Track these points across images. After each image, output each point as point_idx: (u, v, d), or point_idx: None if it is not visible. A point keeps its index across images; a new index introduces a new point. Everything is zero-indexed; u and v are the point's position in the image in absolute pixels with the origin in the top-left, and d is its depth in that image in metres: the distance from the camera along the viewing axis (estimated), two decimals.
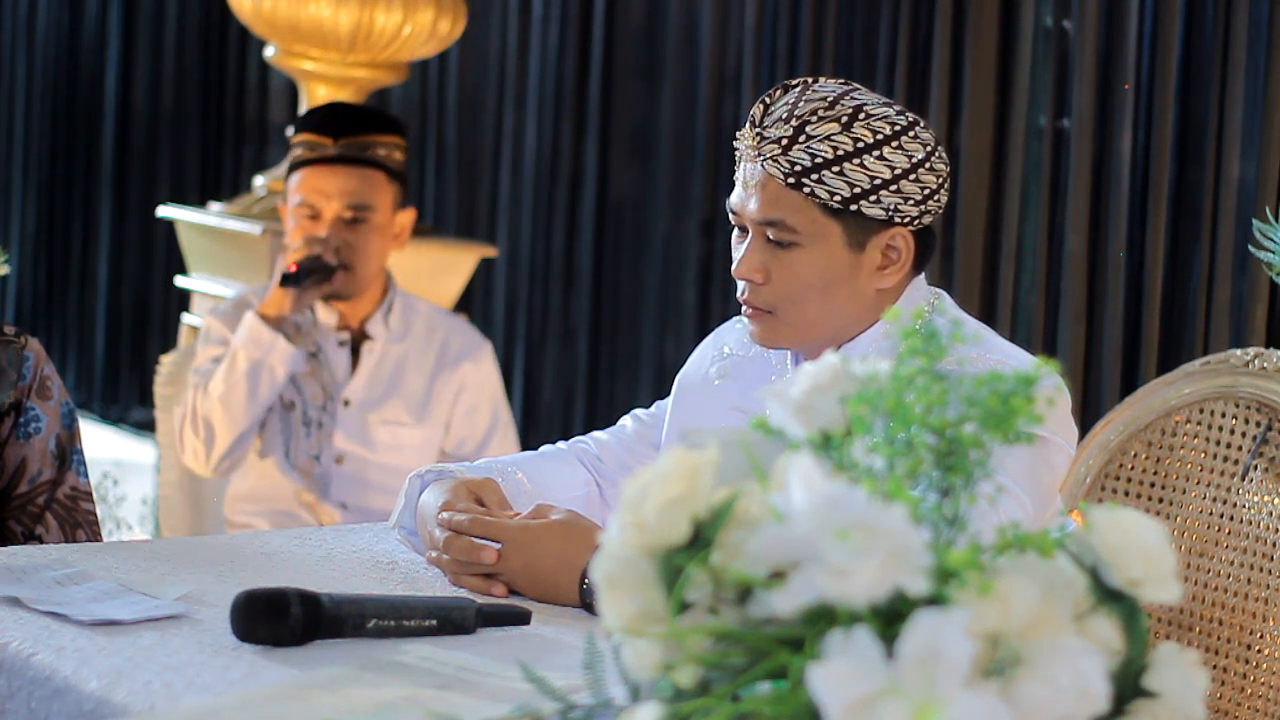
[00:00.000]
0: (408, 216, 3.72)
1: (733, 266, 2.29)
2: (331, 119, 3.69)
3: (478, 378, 3.79)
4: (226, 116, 7.19)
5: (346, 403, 3.70)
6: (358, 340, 3.73)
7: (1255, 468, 2.53)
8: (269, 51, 4.58)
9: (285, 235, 3.69)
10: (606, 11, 5.67)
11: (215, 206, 4.61)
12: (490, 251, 4.89)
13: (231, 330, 3.67)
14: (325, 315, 3.69)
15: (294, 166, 3.67)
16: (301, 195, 3.63)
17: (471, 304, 5.76)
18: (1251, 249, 2.58)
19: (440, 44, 4.53)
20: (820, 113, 2.22)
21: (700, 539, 1.25)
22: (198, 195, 6.74)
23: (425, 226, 4.71)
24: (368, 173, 3.63)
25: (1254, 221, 2.58)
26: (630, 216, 5.68)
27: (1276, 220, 2.51)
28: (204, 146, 7.29)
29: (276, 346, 3.57)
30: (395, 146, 3.68)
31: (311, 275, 3.57)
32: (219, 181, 7.09)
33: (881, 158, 2.22)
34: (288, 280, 3.56)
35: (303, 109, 4.54)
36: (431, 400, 3.74)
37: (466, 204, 6.12)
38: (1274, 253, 2.50)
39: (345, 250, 3.61)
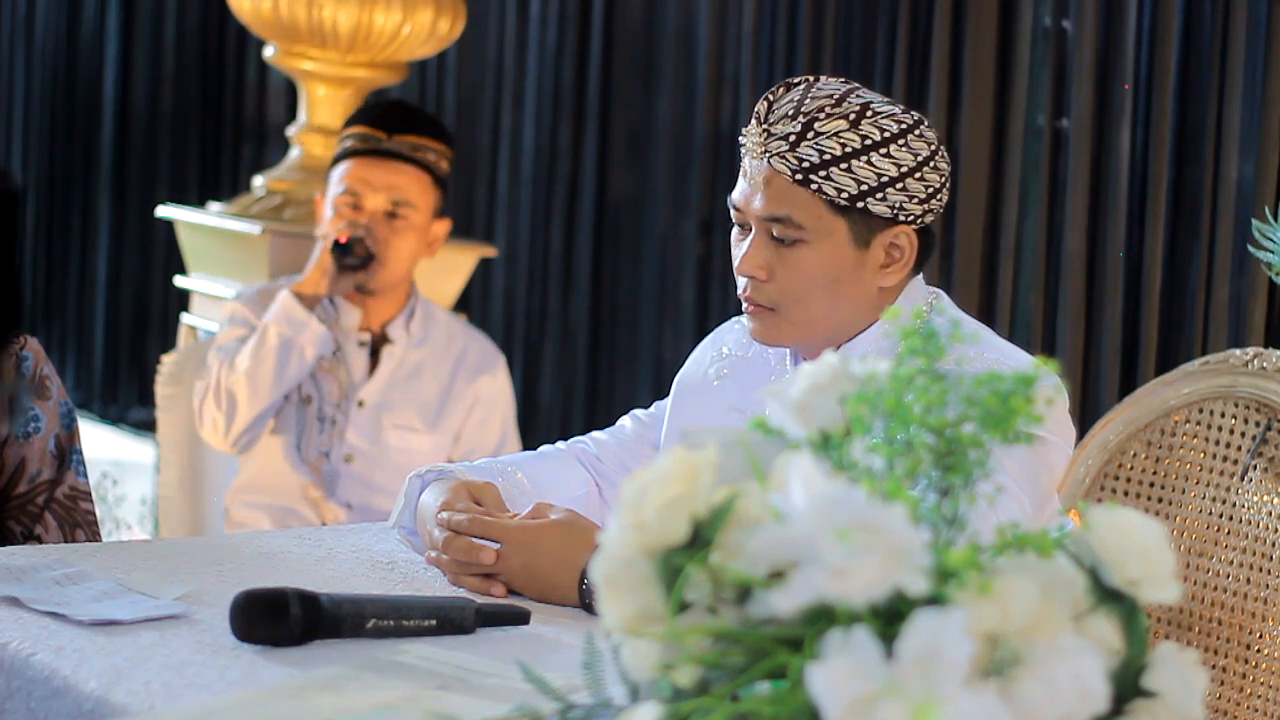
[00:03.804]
0: (443, 227, 3.75)
1: (735, 263, 2.29)
2: (388, 114, 3.72)
3: (492, 391, 3.81)
4: (226, 116, 7.19)
5: (361, 403, 3.71)
6: (378, 343, 3.75)
7: (1254, 467, 2.53)
8: (268, 51, 4.57)
9: (320, 227, 3.71)
10: (605, 11, 5.67)
11: (215, 206, 4.61)
12: (489, 251, 4.89)
13: (256, 315, 3.70)
14: (348, 315, 3.71)
15: (343, 156, 3.69)
16: (347, 184, 3.66)
17: (470, 304, 5.76)
18: (1250, 249, 2.58)
19: (439, 44, 4.53)
20: (828, 110, 2.22)
21: (700, 539, 1.25)
22: (197, 195, 6.74)
23: None
24: (415, 172, 3.67)
25: (1253, 221, 2.58)
26: (629, 216, 5.68)
27: (1275, 220, 2.51)
28: (203, 146, 7.29)
29: (309, 326, 3.60)
30: (443, 155, 3.72)
31: (355, 255, 3.60)
32: (218, 181, 7.09)
33: (888, 155, 2.22)
34: (338, 249, 3.59)
35: (302, 109, 4.54)
36: (445, 409, 3.76)
37: (465, 204, 6.12)
38: (1273, 252, 2.50)
39: (380, 245, 3.64)
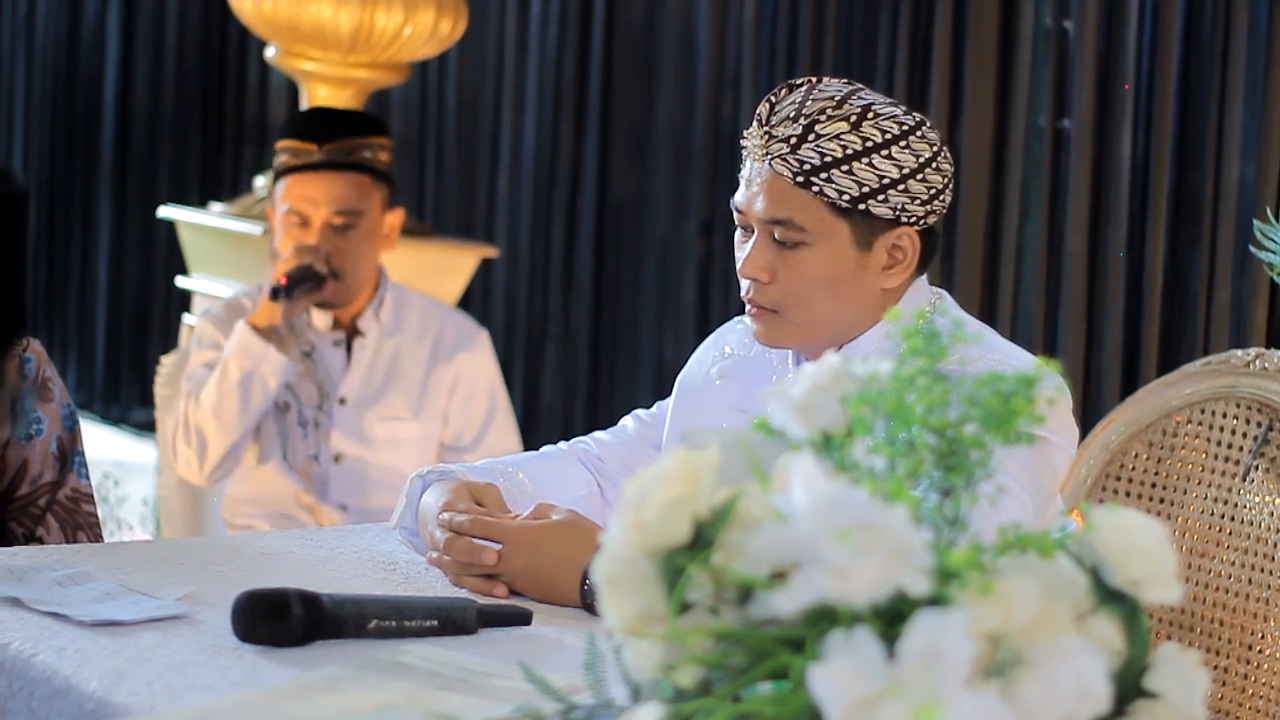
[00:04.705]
0: (397, 216, 3.71)
1: (737, 266, 2.29)
2: (315, 124, 3.67)
3: (473, 365, 3.77)
4: (227, 117, 7.19)
5: (343, 401, 3.69)
6: (351, 337, 3.73)
7: (1256, 468, 2.53)
8: (270, 52, 4.58)
9: (274, 240, 3.68)
10: (605, 11, 5.68)
11: (216, 207, 4.61)
12: (491, 252, 4.89)
13: (224, 334, 3.65)
14: (319, 316, 3.69)
15: (280, 173, 3.66)
16: (289, 203, 3.61)
17: (471, 304, 5.76)
18: (1252, 249, 2.58)
19: (441, 44, 4.54)
20: (829, 112, 2.22)
21: (701, 539, 1.25)
22: (198, 196, 6.74)
23: (425, 227, 4.71)
24: (355, 177, 3.62)
25: (1254, 222, 2.58)
26: (629, 216, 5.68)
27: (1276, 220, 2.51)
28: (204, 147, 7.29)
29: (267, 357, 3.55)
30: (381, 147, 3.66)
31: (301, 285, 3.56)
32: (219, 182, 7.09)
33: (889, 157, 2.22)
34: (277, 293, 3.55)
35: (304, 109, 4.54)
36: (428, 393, 3.73)
37: (465, 204, 6.13)
38: (1274, 253, 2.50)
39: (336, 257, 3.59)
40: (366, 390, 3.70)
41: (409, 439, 3.70)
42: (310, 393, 3.66)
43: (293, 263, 3.57)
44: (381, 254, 3.71)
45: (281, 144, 3.67)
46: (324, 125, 3.66)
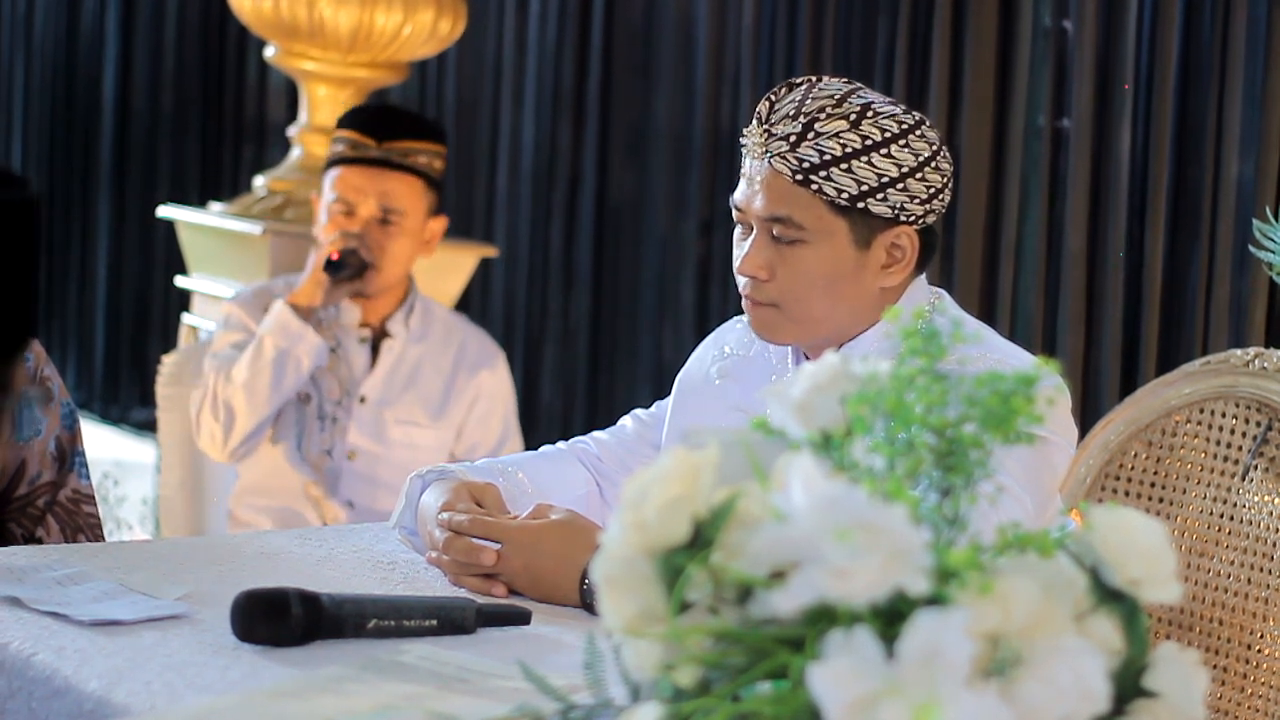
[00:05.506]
0: (439, 224, 3.75)
1: (735, 263, 2.29)
2: (377, 121, 3.71)
3: (493, 385, 3.82)
4: (226, 116, 7.19)
5: (363, 399, 3.72)
6: (378, 338, 3.76)
7: (1255, 468, 2.53)
8: (269, 51, 4.58)
9: (316, 227, 3.72)
10: (605, 10, 5.67)
11: (215, 206, 4.61)
12: (490, 251, 4.89)
13: (253, 318, 3.70)
14: (348, 312, 3.72)
15: (334, 162, 3.69)
16: (338, 192, 3.66)
17: (470, 304, 5.76)
18: (1251, 248, 2.58)
19: (440, 44, 4.53)
20: (828, 110, 2.22)
21: (701, 539, 1.25)
22: (198, 195, 6.74)
23: None
24: (406, 178, 3.67)
25: (1253, 221, 2.58)
26: (629, 216, 5.68)
27: (1276, 219, 2.51)
28: (204, 146, 7.29)
29: (305, 337, 3.60)
30: (436, 155, 3.71)
31: (349, 266, 3.60)
32: (219, 181, 7.09)
33: (889, 155, 2.22)
34: (330, 267, 3.60)
35: (303, 109, 4.54)
36: (448, 402, 3.77)
37: (464, 203, 6.12)
38: (1273, 252, 2.50)
39: (374, 250, 3.64)
40: (387, 391, 3.74)
41: (423, 444, 3.74)
42: (332, 387, 3.69)
43: (341, 244, 3.62)
44: (418, 259, 3.75)
45: (340, 134, 3.72)
46: (386, 123, 3.70)
